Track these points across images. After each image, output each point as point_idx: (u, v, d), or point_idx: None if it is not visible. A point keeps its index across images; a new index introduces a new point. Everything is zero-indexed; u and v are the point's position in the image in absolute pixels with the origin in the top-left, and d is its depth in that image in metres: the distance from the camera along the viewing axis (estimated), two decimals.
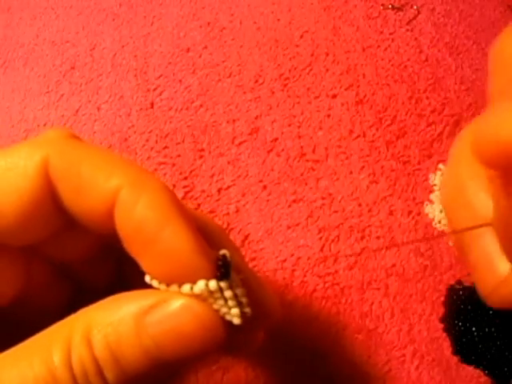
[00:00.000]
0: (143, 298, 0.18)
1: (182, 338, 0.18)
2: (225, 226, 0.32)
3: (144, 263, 0.19)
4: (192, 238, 0.18)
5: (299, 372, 0.28)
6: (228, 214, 0.32)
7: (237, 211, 0.33)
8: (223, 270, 0.18)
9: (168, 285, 0.18)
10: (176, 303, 0.18)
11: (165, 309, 0.18)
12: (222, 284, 0.18)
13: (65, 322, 0.18)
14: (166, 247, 0.18)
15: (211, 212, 0.33)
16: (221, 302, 0.18)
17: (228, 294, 0.18)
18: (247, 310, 0.19)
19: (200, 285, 0.18)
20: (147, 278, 0.19)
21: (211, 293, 0.18)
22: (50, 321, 0.24)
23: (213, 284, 0.18)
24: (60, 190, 0.19)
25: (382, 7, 0.43)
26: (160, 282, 0.18)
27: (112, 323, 0.17)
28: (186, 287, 0.18)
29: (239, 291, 0.19)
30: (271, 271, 0.31)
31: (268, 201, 0.33)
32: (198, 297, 0.18)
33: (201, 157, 0.35)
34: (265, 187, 0.34)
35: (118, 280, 0.24)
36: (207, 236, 0.19)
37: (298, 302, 0.30)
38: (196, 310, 0.18)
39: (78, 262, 0.23)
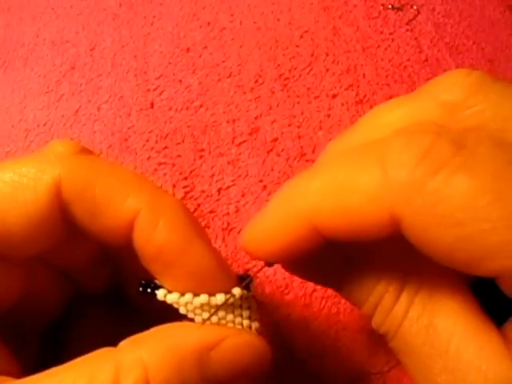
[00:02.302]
0: (203, 333, 0.18)
1: (242, 371, 0.19)
2: (225, 226, 0.32)
3: (165, 281, 0.19)
4: (214, 254, 0.19)
5: (299, 372, 0.28)
6: (228, 213, 0.32)
7: (237, 211, 0.33)
8: (248, 281, 0.19)
9: (196, 295, 0.19)
10: (240, 339, 0.19)
11: (229, 345, 0.18)
12: (249, 294, 0.19)
13: (103, 355, 0.17)
14: (191, 267, 0.18)
15: (211, 212, 0.33)
16: (246, 313, 0.19)
17: (254, 304, 0.20)
18: (258, 324, 0.20)
19: (236, 291, 0.19)
20: (160, 295, 0.19)
21: (240, 302, 0.19)
22: (48, 322, 0.24)
23: (245, 292, 0.19)
24: (74, 211, 0.19)
25: (382, 7, 0.43)
26: (180, 296, 0.19)
27: (171, 363, 0.17)
28: (220, 296, 0.19)
29: (254, 305, 0.20)
30: (271, 271, 0.31)
31: (268, 201, 0.33)
32: (229, 306, 0.19)
33: (201, 157, 0.35)
34: (265, 187, 0.34)
35: (115, 282, 0.24)
36: None
37: (297, 302, 0.30)
38: (257, 345, 0.19)
39: (77, 266, 0.23)
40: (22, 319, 0.21)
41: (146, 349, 0.17)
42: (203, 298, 0.18)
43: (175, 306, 0.19)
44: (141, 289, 0.19)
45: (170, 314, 0.20)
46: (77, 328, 0.24)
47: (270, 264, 0.19)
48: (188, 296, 0.18)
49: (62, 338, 0.24)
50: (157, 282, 0.19)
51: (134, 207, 0.18)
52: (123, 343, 0.18)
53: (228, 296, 0.18)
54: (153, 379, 0.16)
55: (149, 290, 0.19)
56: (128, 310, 0.24)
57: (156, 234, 0.18)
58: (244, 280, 0.19)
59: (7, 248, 0.19)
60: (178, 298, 0.18)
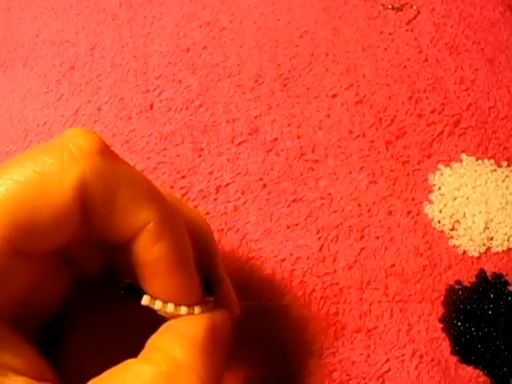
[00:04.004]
0: (203, 321, 0.21)
1: (228, 338, 0.22)
2: (222, 225, 0.32)
3: (147, 285, 0.21)
4: (197, 278, 0.21)
5: (298, 372, 0.28)
6: (226, 213, 0.32)
7: (235, 210, 0.33)
8: (209, 287, 0.23)
9: (177, 305, 0.21)
10: (223, 315, 0.22)
11: (220, 321, 0.22)
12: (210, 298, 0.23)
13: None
14: (175, 284, 0.21)
15: (208, 214, 0.33)
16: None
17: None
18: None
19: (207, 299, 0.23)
20: (145, 301, 0.21)
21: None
22: (48, 317, 0.24)
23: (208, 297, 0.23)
24: (93, 210, 0.19)
25: (381, 7, 0.43)
26: (164, 304, 0.21)
27: (198, 350, 0.20)
28: (198, 308, 0.21)
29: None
30: (270, 271, 0.31)
31: (268, 200, 0.33)
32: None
33: (199, 156, 0.35)
34: (265, 186, 0.33)
35: (109, 270, 0.24)
36: (192, 235, 0.22)
37: (296, 302, 0.30)
38: (228, 316, 0.23)
39: (75, 246, 0.23)
40: (24, 314, 0.21)
41: (171, 344, 0.19)
42: (184, 309, 0.21)
43: (156, 310, 0.21)
44: (123, 292, 0.21)
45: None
46: (74, 327, 0.24)
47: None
48: (170, 306, 0.21)
49: (59, 337, 0.24)
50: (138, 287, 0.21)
51: (146, 219, 0.19)
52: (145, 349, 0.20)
53: (203, 308, 0.21)
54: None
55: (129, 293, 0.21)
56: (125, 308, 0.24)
57: (155, 248, 0.20)
58: (208, 283, 0.23)
59: (33, 241, 0.19)
60: (162, 306, 0.21)
